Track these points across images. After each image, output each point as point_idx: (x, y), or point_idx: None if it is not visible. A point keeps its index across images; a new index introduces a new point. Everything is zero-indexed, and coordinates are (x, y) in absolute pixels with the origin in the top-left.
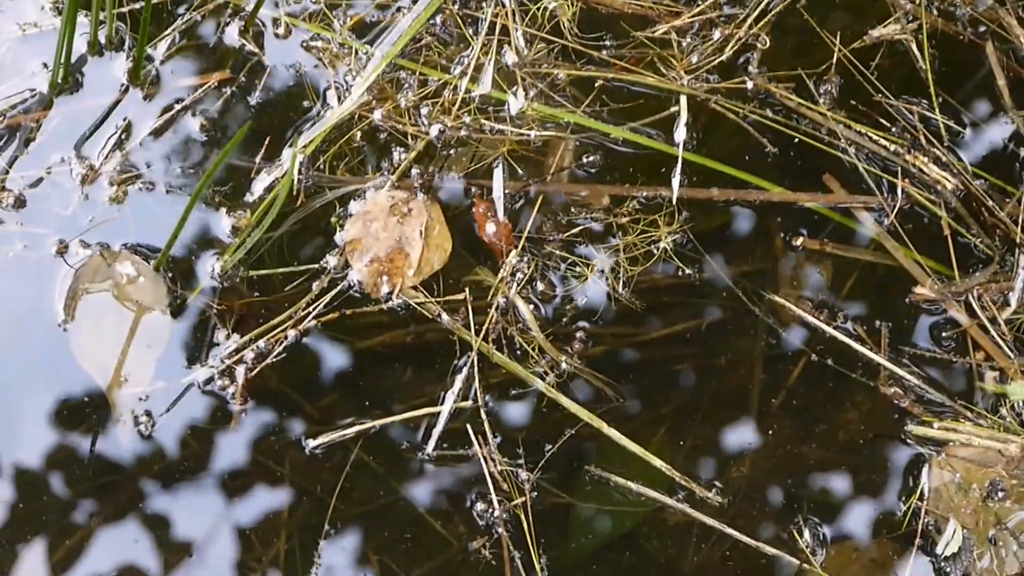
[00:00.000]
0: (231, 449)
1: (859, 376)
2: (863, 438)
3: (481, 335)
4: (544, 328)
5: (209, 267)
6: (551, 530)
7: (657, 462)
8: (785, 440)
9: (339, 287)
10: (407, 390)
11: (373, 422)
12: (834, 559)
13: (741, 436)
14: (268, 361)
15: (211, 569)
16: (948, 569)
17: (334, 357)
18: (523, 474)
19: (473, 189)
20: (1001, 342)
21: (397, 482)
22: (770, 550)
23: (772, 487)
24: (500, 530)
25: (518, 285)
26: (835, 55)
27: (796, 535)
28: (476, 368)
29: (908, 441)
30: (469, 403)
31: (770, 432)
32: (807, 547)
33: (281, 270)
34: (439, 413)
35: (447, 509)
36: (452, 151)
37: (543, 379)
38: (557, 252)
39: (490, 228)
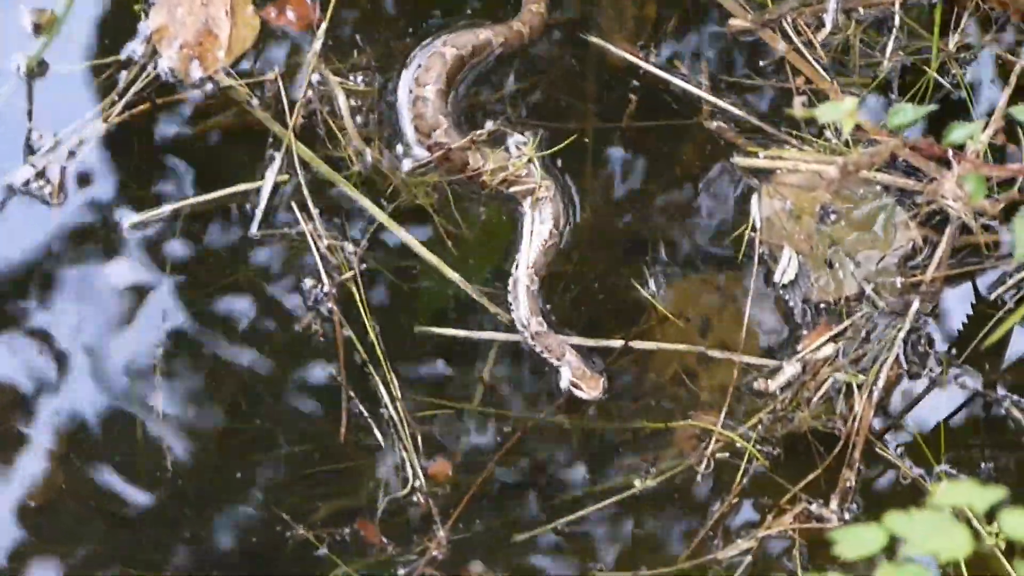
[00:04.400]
0: (56, 244)
1: (682, 114)
2: (696, 173)
3: (294, 117)
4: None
5: (15, 66)
6: (401, 307)
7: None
8: (621, 181)
9: (150, 75)
10: (240, 171)
11: (190, 200)
12: (681, 292)
13: (579, 181)
14: (81, 155)
15: (68, 376)
16: (787, 296)
17: (162, 145)
18: (349, 247)
19: None
20: (817, 66)
21: (236, 262)
22: None
23: (615, 228)
24: (331, 305)
25: (327, 63)
26: None
27: (637, 279)
28: (294, 148)
29: (737, 173)
30: (286, 176)
31: (606, 174)
32: (650, 292)
33: (88, 63)
34: (260, 189)
35: (289, 286)
36: None
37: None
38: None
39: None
